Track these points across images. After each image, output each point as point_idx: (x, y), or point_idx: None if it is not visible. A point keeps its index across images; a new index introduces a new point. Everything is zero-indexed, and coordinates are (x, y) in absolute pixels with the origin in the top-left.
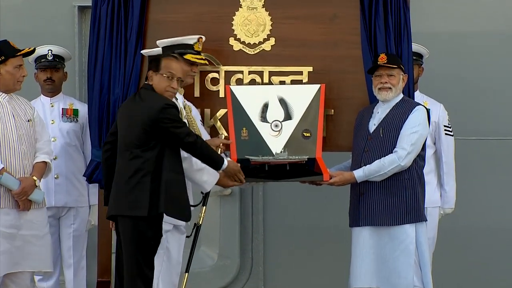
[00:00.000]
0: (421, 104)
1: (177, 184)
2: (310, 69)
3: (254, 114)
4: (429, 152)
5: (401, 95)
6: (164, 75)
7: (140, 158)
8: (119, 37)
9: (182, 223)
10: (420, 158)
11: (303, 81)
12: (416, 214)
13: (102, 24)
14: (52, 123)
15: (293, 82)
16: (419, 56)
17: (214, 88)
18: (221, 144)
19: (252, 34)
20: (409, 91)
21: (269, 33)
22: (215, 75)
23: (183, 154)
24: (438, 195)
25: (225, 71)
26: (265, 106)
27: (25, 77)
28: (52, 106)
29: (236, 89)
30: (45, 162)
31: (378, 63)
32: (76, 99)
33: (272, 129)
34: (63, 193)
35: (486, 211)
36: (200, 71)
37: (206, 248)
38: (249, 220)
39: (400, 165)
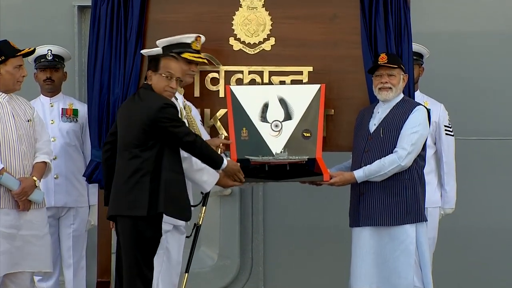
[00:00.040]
0: (421, 104)
1: (177, 183)
2: (310, 69)
3: (254, 114)
4: (430, 152)
5: (402, 95)
6: (163, 75)
7: (139, 158)
8: (119, 37)
9: (182, 223)
10: (421, 158)
11: (303, 81)
12: (416, 214)
13: (102, 24)
14: (51, 123)
15: (293, 82)
16: (420, 56)
17: (214, 88)
18: (221, 144)
19: (252, 34)
20: (409, 91)
21: (269, 33)
22: (215, 75)
23: (183, 154)
24: (439, 195)
25: (225, 71)
26: (265, 106)
27: (25, 77)
28: (51, 106)
29: (236, 89)
30: (45, 162)
31: (379, 63)
32: (75, 99)
33: (272, 129)
34: (62, 193)
35: (487, 211)
36: (200, 71)
37: (206, 248)
38: (249, 220)
39: (400, 165)
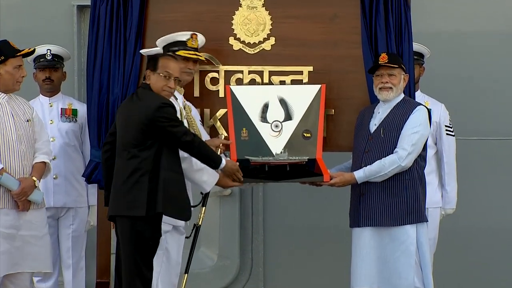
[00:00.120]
0: (422, 104)
1: (176, 183)
2: (310, 68)
3: (254, 114)
4: (430, 152)
5: (402, 95)
6: (161, 74)
7: (137, 158)
8: (118, 36)
9: (182, 223)
10: (421, 159)
11: (303, 81)
12: (417, 215)
13: (101, 23)
14: (51, 123)
15: (293, 81)
16: (420, 55)
17: (213, 88)
18: (221, 144)
19: (252, 33)
20: (409, 91)
21: (269, 32)
22: (215, 74)
23: (183, 154)
24: (439, 195)
25: (224, 71)
26: (265, 106)
27: (25, 77)
28: (51, 106)
29: (236, 89)
30: (44, 163)
31: (379, 62)
32: (75, 99)
33: (272, 130)
34: (62, 193)
35: (487, 212)
36: (199, 71)
37: (205, 249)
38: (249, 221)
39: (400, 165)
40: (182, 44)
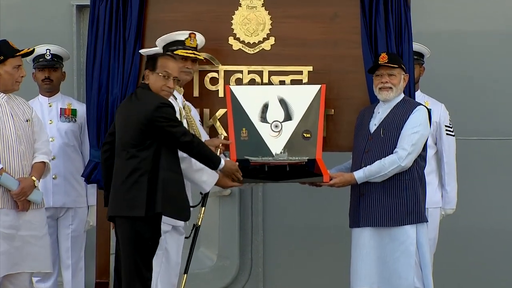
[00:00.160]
0: (422, 104)
1: (175, 183)
2: (310, 68)
3: (254, 115)
4: (430, 153)
5: (402, 95)
6: (160, 74)
7: (136, 158)
8: (118, 36)
9: (181, 223)
10: (421, 159)
11: (303, 81)
12: (416, 215)
13: (101, 23)
14: (50, 123)
15: (293, 81)
16: (420, 55)
17: (213, 88)
18: (220, 145)
19: (252, 33)
20: (409, 91)
21: (269, 32)
22: (214, 74)
23: (183, 154)
24: (439, 195)
25: (224, 71)
26: (265, 107)
27: (24, 77)
28: (50, 106)
29: (236, 89)
30: (44, 162)
31: (379, 62)
32: (74, 99)
33: (272, 130)
34: (61, 193)
35: (487, 212)
36: (199, 71)
37: (205, 249)
38: (249, 221)
39: (400, 165)
40: (180, 44)
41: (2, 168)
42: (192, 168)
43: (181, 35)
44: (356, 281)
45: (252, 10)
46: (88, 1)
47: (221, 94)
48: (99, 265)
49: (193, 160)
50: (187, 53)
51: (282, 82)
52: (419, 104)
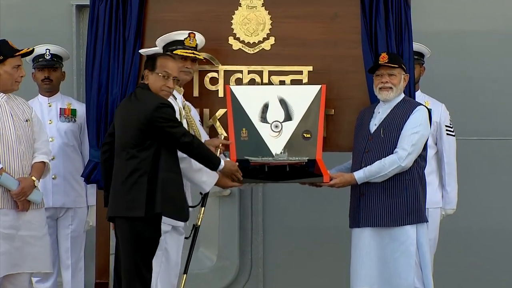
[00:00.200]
0: (422, 104)
1: (175, 183)
2: (310, 68)
3: (254, 115)
4: (431, 153)
5: (402, 95)
6: (160, 74)
7: (136, 158)
8: (118, 36)
9: (181, 223)
10: (422, 159)
11: (303, 81)
12: (417, 215)
13: (100, 23)
14: (49, 123)
15: (293, 81)
16: (421, 55)
17: (213, 88)
18: (220, 145)
19: (252, 33)
20: (410, 91)
21: (269, 32)
22: (214, 74)
23: (182, 154)
24: (440, 195)
25: (224, 71)
26: (265, 107)
27: (23, 77)
28: (50, 106)
29: (236, 89)
30: (43, 162)
31: (379, 62)
32: (74, 98)
33: (272, 130)
34: (61, 193)
35: (488, 212)
36: (199, 71)
37: (205, 249)
38: (249, 221)
39: (400, 165)
40: (180, 43)
41: (2, 168)
42: (192, 168)
43: (181, 35)
44: (356, 281)
45: (252, 10)
46: (88, 1)
47: (221, 94)
48: (99, 265)
49: (192, 160)
50: (186, 53)
51: (282, 82)
52: (419, 104)
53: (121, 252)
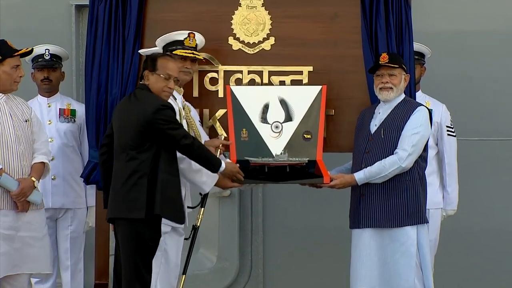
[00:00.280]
0: (423, 105)
1: (174, 185)
2: (310, 68)
3: (254, 115)
4: (431, 153)
5: (403, 95)
6: (162, 75)
7: (136, 160)
8: (117, 36)
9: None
10: (422, 159)
11: (303, 81)
12: (417, 216)
13: (100, 23)
14: (49, 124)
15: (293, 82)
16: (421, 55)
17: (213, 88)
18: (220, 145)
19: (252, 33)
20: (410, 91)
21: (269, 32)
22: (214, 74)
23: (181, 154)
24: (441, 196)
25: (224, 71)
26: (266, 107)
27: (22, 77)
28: (49, 106)
29: (237, 89)
30: (43, 163)
31: (380, 62)
32: (73, 99)
33: (273, 131)
34: (60, 194)
35: (489, 213)
36: (198, 71)
37: (204, 250)
38: (249, 222)
39: (401, 166)
40: (179, 43)
41: (1, 168)
42: (192, 169)
43: (180, 35)
44: (356, 282)
45: (252, 10)
46: (87, 1)
47: (221, 95)
48: (98, 266)
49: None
50: (186, 53)
51: (282, 82)
52: (420, 104)
53: (121, 253)
